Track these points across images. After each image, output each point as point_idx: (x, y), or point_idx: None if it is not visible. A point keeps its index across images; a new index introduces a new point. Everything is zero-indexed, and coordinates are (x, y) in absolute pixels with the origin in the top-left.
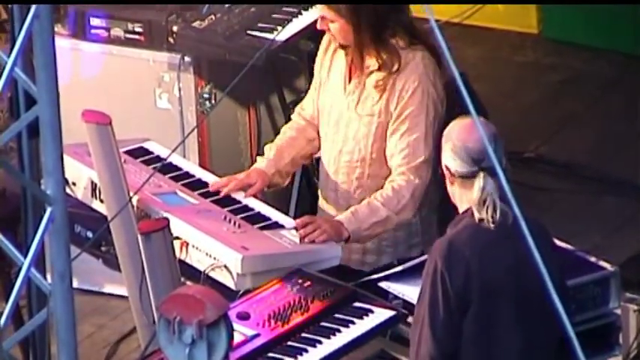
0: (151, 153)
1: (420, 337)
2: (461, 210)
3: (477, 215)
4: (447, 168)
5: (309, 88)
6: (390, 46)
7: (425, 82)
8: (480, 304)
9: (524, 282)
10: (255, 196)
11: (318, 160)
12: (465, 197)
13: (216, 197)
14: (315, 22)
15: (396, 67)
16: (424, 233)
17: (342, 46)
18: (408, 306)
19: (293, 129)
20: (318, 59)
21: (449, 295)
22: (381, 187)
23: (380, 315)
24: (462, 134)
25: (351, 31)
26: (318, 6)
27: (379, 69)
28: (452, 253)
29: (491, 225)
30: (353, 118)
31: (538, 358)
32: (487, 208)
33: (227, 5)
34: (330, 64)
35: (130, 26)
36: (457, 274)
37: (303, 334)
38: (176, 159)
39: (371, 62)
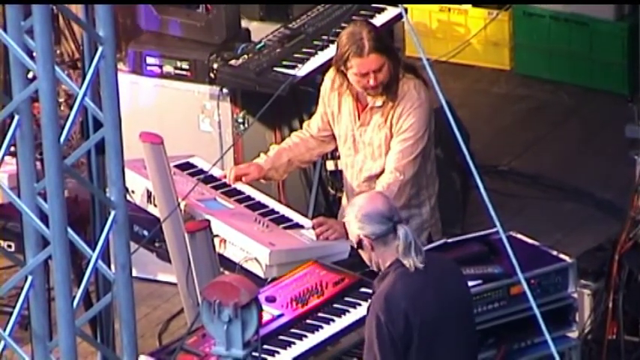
0: (196, 167)
1: None
2: (384, 267)
3: (406, 264)
4: (366, 236)
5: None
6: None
7: (417, 106)
8: (420, 338)
9: (448, 310)
10: (280, 201)
11: (334, 172)
12: (387, 253)
13: (248, 203)
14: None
15: (394, 99)
16: (431, 218)
17: (380, 88)
18: None
19: (297, 137)
20: (325, 95)
21: (395, 341)
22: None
23: None
24: (369, 204)
25: (393, 67)
26: (371, 59)
27: (381, 105)
28: (391, 307)
29: (421, 265)
30: (366, 144)
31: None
32: (413, 251)
33: (257, 47)
34: (339, 100)
35: (179, 64)
36: (398, 324)
37: (319, 314)
38: (216, 172)
39: (374, 100)
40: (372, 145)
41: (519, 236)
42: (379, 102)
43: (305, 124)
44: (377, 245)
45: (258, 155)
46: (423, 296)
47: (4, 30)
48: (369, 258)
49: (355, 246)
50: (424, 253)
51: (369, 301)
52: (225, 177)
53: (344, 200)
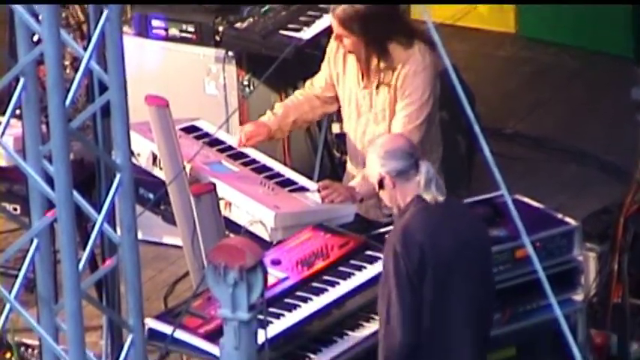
0: (201, 130)
1: (388, 313)
2: (404, 204)
3: (427, 198)
4: (387, 173)
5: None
6: (388, 53)
7: (422, 70)
8: (434, 274)
9: (463, 251)
10: (285, 164)
11: (338, 135)
12: (409, 189)
13: (254, 166)
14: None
15: (396, 65)
16: None
17: (351, 52)
18: None
19: (302, 95)
20: (330, 56)
21: (410, 274)
22: None
23: None
24: (391, 141)
25: (362, 44)
26: (333, 25)
27: (385, 69)
28: (407, 239)
29: (441, 198)
30: (369, 106)
31: (480, 314)
32: (434, 186)
33: (263, 10)
34: (344, 62)
35: (184, 27)
36: (413, 256)
37: (325, 277)
38: (221, 135)
39: (377, 64)
40: (375, 107)
41: (524, 199)
42: (382, 65)
43: (308, 83)
44: (399, 182)
45: (264, 113)
46: (440, 233)
47: None
48: (389, 197)
49: (376, 187)
50: (445, 192)
51: (387, 236)
52: (239, 143)
53: (348, 164)
